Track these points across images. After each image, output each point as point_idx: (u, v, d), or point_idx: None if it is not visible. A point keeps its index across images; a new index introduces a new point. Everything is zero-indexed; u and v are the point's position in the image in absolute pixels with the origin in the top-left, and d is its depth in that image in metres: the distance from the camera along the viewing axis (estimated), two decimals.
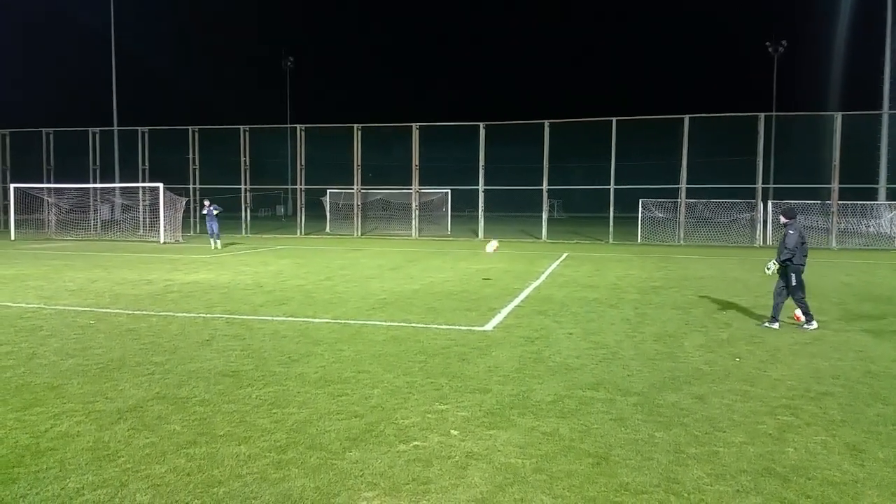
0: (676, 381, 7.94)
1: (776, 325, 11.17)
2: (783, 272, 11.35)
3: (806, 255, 11.34)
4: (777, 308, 11.31)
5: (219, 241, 28.37)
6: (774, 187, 36.46)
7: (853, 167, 34.41)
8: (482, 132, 35.48)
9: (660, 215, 34.30)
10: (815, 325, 11.06)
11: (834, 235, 31.70)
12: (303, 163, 39.23)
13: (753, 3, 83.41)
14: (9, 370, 8.13)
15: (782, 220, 11.68)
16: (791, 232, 11.18)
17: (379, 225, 40.56)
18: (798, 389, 7.65)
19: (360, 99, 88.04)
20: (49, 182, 38.42)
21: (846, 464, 5.55)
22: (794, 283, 11.14)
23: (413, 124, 36.56)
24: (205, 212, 28.68)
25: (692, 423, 6.48)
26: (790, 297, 11.33)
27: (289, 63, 77.32)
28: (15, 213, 34.02)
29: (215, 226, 28.31)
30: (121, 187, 39.08)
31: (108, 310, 12.54)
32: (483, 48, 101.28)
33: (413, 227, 37.54)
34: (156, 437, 5.97)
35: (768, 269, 11.53)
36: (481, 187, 36.06)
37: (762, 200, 32.50)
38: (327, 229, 41.63)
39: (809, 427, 6.42)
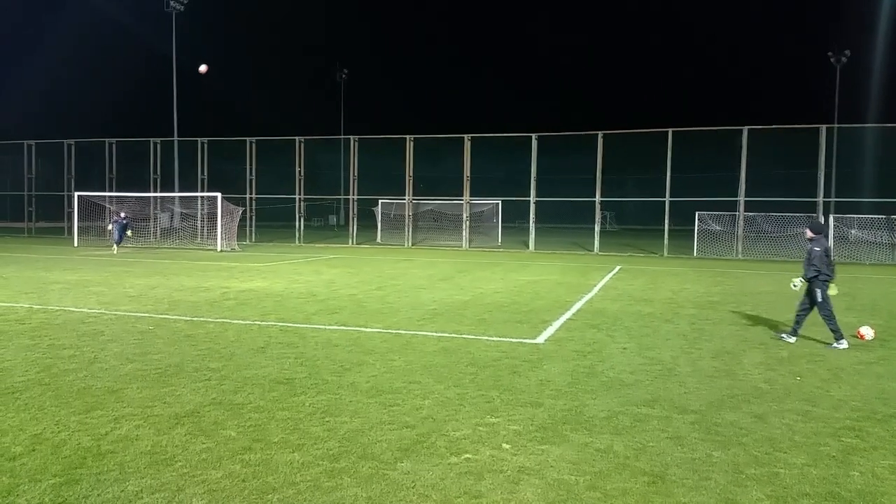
0: (735, 399, 7.73)
1: (793, 340, 11.05)
2: (809, 288, 11.18)
3: (833, 271, 11.12)
4: (798, 323, 11.23)
5: (116, 247, 29.96)
6: (836, 201, 35.38)
7: None
8: (534, 143, 35.32)
9: (717, 228, 33.60)
10: (844, 344, 10.64)
11: None
12: (355, 173, 39.62)
13: (815, 12, 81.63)
14: (71, 373, 8.36)
15: (808, 234, 11.63)
16: (816, 249, 11.05)
17: (429, 235, 40.70)
18: (863, 411, 7.38)
19: (413, 110, 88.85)
20: (111, 191, 39.56)
21: None
22: (819, 300, 10.92)
23: (465, 135, 36.61)
24: (110, 227, 31.06)
25: (751, 442, 6.30)
26: (819, 313, 11.04)
27: (343, 75, 78.38)
28: (78, 220, 35.17)
29: (118, 234, 30.21)
30: (180, 196, 40.05)
31: (167, 316, 12.82)
32: (538, 58, 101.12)
33: (463, 237, 37.55)
34: (212, 442, 6.06)
35: (794, 285, 11.29)
36: (533, 199, 35.86)
37: (824, 214, 31.61)
38: (378, 239, 41.95)
39: (876, 450, 6.18)
